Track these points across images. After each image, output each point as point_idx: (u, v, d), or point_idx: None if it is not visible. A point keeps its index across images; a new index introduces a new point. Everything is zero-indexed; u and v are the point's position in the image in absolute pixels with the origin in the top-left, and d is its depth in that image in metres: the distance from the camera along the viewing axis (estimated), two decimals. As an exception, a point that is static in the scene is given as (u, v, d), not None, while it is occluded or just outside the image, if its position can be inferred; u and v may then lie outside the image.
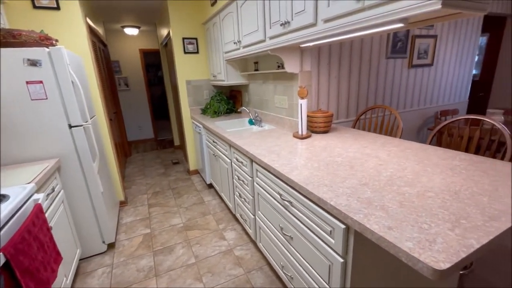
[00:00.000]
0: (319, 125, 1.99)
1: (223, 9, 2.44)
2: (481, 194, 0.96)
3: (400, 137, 1.96)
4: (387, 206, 0.90)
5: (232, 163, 2.10)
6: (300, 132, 1.92)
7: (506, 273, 1.68)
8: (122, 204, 2.82)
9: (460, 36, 3.03)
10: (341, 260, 0.97)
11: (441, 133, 1.90)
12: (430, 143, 1.77)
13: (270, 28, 1.73)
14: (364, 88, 2.50)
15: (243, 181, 1.93)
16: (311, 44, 1.67)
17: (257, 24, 1.88)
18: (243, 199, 2.02)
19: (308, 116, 2.02)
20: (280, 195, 1.36)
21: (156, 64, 7.83)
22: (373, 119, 2.54)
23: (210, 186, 3.22)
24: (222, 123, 2.77)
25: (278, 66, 2.23)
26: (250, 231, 1.99)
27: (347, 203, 0.94)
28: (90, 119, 2.02)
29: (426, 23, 1.17)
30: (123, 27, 4.45)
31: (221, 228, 2.33)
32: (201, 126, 2.87)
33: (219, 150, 2.41)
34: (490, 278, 1.65)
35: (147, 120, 5.63)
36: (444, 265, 0.63)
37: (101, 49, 3.57)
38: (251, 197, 1.82)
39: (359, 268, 0.98)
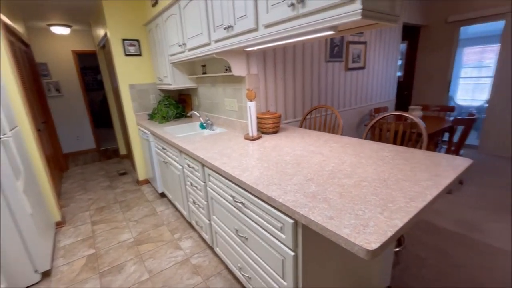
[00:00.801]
0: (269, 126, 2.06)
1: (166, 10, 2.35)
2: (404, 179, 1.11)
3: (341, 134, 2.15)
4: (329, 198, 0.98)
5: (184, 169, 2.03)
6: (250, 134, 1.96)
7: (432, 245, 1.96)
8: (59, 225, 2.50)
9: (385, 43, 3.46)
10: (292, 253, 1.02)
11: (374, 128, 2.14)
12: (365, 138, 1.97)
13: (215, 31, 1.73)
14: (308, 90, 2.68)
15: (196, 186, 1.88)
16: (255, 48, 1.72)
17: (201, 27, 1.86)
18: (197, 205, 1.97)
19: (257, 117, 2.08)
20: (233, 197, 1.37)
21: (94, 67, 7.14)
22: (318, 118, 2.73)
23: (163, 195, 3.06)
24: (172, 129, 2.66)
25: (226, 69, 2.25)
26: (206, 237, 1.95)
27: (295, 198, 0.99)
28: (10, 131, 1.75)
29: (354, 31, 1.31)
30: (50, 25, 3.95)
31: (176, 238, 2.24)
32: (148, 132, 2.71)
33: (169, 157, 2.31)
34: (419, 252, 1.91)
35: (86, 129, 5.09)
36: (375, 245, 0.71)
37: (22, 50, 3.11)
38: (205, 202, 1.79)
39: (309, 258, 1.04)
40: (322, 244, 1.08)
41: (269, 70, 2.29)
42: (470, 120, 2.53)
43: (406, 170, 1.20)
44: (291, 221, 0.98)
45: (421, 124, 1.70)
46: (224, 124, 2.53)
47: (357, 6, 0.92)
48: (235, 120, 2.34)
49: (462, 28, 3.91)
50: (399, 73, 4.75)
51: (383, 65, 3.56)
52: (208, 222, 1.84)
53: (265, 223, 1.15)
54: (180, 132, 2.68)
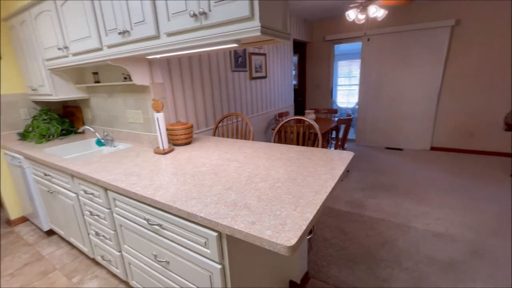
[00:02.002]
0: (181, 137, 1.96)
1: (35, 5, 1.91)
2: (309, 176, 1.27)
3: (252, 139, 2.27)
4: (249, 204, 1.02)
5: (79, 197, 1.69)
6: (161, 147, 1.82)
7: (333, 226, 2.32)
8: None
9: (281, 56, 3.90)
10: (219, 266, 1.01)
11: (280, 131, 2.37)
12: (274, 141, 2.16)
13: (107, 35, 1.53)
14: (218, 98, 2.72)
15: (98, 215, 1.59)
16: (158, 56, 1.62)
17: (88, 30, 1.61)
18: (102, 237, 1.67)
19: (167, 129, 1.95)
20: (148, 220, 1.23)
21: None
22: (229, 125, 2.81)
23: (50, 232, 2.45)
24: (57, 149, 2.17)
25: (125, 78, 2.01)
26: (118, 271, 1.67)
27: (216, 210, 0.98)
28: None
29: (256, 45, 1.42)
30: None
31: (75, 282, 1.83)
32: (21, 157, 2.12)
33: (56, 185, 1.88)
34: (325, 234, 2.23)
35: None
36: (293, 241, 0.78)
37: None
38: (113, 232, 1.54)
39: (236, 267, 1.04)
40: (247, 249, 1.11)
41: (175, 79, 2.19)
42: (348, 120, 3.15)
43: (310, 167, 1.38)
44: (215, 233, 0.96)
45: (316, 125, 2.00)
46: (128, 139, 2.26)
47: (256, 23, 1.00)
48: (142, 133, 2.12)
49: (336, 46, 4.88)
50: (294, 82, 5.45)
51: (281, 75, 4.00)
52: (118, 253, 1.58)
53: (187, 241, 1.09)
54: (70, 153, 2.21)
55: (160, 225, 1.18)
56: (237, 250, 1.04)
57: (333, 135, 4.17)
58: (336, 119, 3.54)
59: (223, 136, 2.49)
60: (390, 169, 3.63)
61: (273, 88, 3.77)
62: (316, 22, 4.82)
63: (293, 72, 5.46)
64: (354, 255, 1.96)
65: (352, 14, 2.76)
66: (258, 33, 1.00)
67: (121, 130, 2.29)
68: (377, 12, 2.61)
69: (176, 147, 1.95)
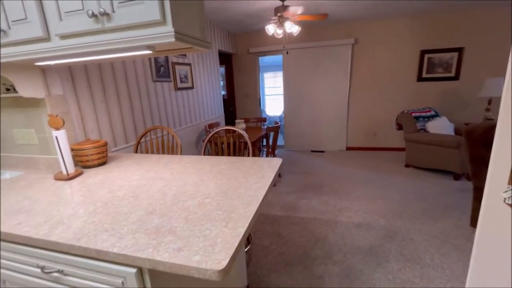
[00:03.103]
0: (92, 158, 1.67)
1: None
2: (240, 187, 1.23)
3: (180, 153, 2.12)
4: (175, 227, 0.90)
5: None
6: (64, 172, 1.50)
7: (271, 233, 2.35)
8: None
9: (207, 66, 3.86)
10: (143, 307, 0.85)
11: (211, 142, 2.29)
12: (204, 154, 2.07)
13: (-28, 35, 1.18)
14: (139, 111, 2.46)
15: (-32, 272, 1.18)
16: (51, 62, 1.34)
17: None
18: (-23, 301, 1.24)
19: (73, 149, 1.64)
20: (43, 268, 0.97)
21: None
22: (154, 140, 2.57)
23: None
24: None
25: (8, 89, 1.61)
26: None
27: (134, 241, 0.83)
28: None
29: (176, 52, 1.32)
30: None
31: None
32: None
33: None
34: (263, 242, 2.23)
35: None
36: (224, 262, 0.71)
37: None
38: (-7, 291, 1.16)
39: (164, 304, 0.91)
40: (176, 279, 0.98)
41: (82, 91, 1.88)
42: (276, 127, 3.31)
43: (240, 178, 1.35)
44: (133, 270, 0.81)
45: (245, 135, 2.01)
46: (18, 165, 1.80)
47: (169, 28, 0.92)
48: (38, 157, 1.72)
49: (262, 58, 5.13)
50: (223, 92, 5.47)
51: (209, 85, 3.95)
52: (3, 318, 1.20)
53: (100, 286, 0.89)
54: None
55: (61, 271, 0.94)
56: (164, 283, 0.91)
57: (264, 143, 4.32)
58: (265, 127, 3.68)
59: (147, 152, 2.25)
60: (315, 170, 3.96)
61: (201, 98, 3.68)
62: (240, 34, 4.98)
63: (222, 83, 5.49)
64: (291, 258, 2.01)
65: (271, 29, 2.94)
66: (172, 39, 0.92)
67: (9, 154, 1.81)
68: (292, 27, 2.86)
69: (86, 170, 1.65)
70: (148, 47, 1.04)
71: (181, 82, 3.15)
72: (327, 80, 4.73)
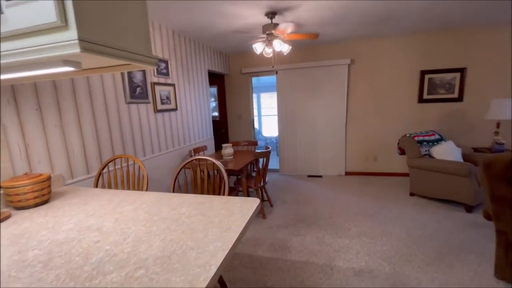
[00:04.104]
0: (26, 197, 1.36)
1: None
2: (193, 248, 0.91)
3: (146, 187, 1.81)
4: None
5: None
6: (-21, 219, 1.18)
7: (253, 281, 1.96)
8: None
9: (195, 86, 3.64)
10: None
11: (190, 168, 1.98)
12: (174, 188, 1.75)
13: None
14: (106, 136, 2.18)
15: None
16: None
17: None
18: None
19: (2, 187, 1.33)
20: None
21: None
22: (119, 170, 2.25)
23: None
24: None
25: None
26: None
27: None
28: None
29: (112, 70, 1.05)
30: None
31: None
32: None
33: None
34: (244, 295, 1.84)
35: None
36: None
37: None
38: None
39: None
40: None
41: (28, 114, 1.60)
42: (267, 153, 3.01)
43: (199, 231, 1.03)
44: None
45: (219, 165, 1.70)
46: None
47: (72, 34, 0.65)
48: (-37, 194, 1.41)
49: (258, 78, 4.95)
50: (215, 113, 5.25)
51: (197, 107, 3.71)
52: None
53: None
54: None
55: None
56: None
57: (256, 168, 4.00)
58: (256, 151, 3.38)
59: (109, 185, 1.94)
60: (312, 198, 3.60)
61: (186, 121, 3.42)
62: (232, 55, 4.84)
63: (213, 104, 5.28)
64: (276, 319, 1.63)
65: (259, 47, 2.74)
66: (77, 50, 0.65)
67: None
68: (281, 46, 2.65)
69: (17, 212, 1.33)
70: (66, 62, 0.77)
71: (162, 103, 2.91)
72: (323, 101, 4.51)
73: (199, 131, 3.78)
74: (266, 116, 8.88)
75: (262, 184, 3.10)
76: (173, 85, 3.09)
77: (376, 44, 4.11)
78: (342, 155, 4.60)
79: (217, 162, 1.71)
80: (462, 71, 3.83)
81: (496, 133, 3.47)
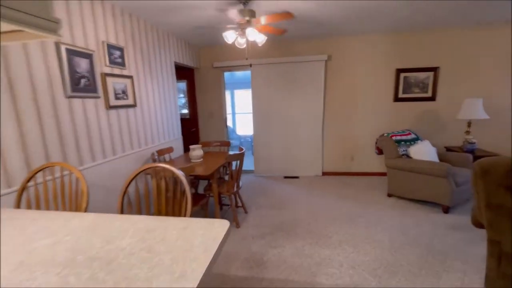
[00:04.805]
0: None
1: None
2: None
3: (86, 205, 1.41)
4: None
5: None
6: None
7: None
8: None
9: (159, 80, 3.21)
10: None
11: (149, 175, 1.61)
12: (122, 205, 1.38)
13: None
14: (37, 139, 1.73)
15: None
16: None
17: None
18: None
19: None
20: None
21: None
22: (50, 183, 1.79)
23: None
24: None
25: None
26: None
27: None
28: None
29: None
30: None
31: None
32: None
33: None
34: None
35: None
36: None
37: None
38: None
39: None
40: None
41: None
42: (240, 155, 2.71)
43: (138, 283, 0.70)
44: None
45: (180, 174, 1.37)
46: None
47: None
48: None
49: (232, 74, 4.61)
50: (185, 111, 4.82)
51: (162, 103, 3.29)
52: None
53: None
54: None
55: None
56: None
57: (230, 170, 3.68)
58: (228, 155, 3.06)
59: (37, 204, 1.50)
60: (289, 201, 3.38)
61: (148, 119, 2.99)
62: (203, 47, 4.45)
63: (183, 100, 4.85)
64: None
65: (230, 36, 2.41)
66: None
67: None
68: (255, 36, 2.36)
69: None
70: None
71: (117, 98, 2.47)
72: (300, 98, 4.30)
73: (165, 130, 3.36)
74: (241, 114, 8.57)
75: (235, 189, 2.80)
76: (130, 77, 2.65)
77: (353, 40, 3.99)
78: (319, 155, 4.44)
79: (178, 172, 1.37)
80: (435, 70, 3.84)
81: (468, 132, 3.51)
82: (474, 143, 3.44)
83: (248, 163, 5.26)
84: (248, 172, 4.84)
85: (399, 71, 3.93)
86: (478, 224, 1.71)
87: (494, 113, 3.71)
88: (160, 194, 1.45)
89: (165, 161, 3.02)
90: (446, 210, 2.87)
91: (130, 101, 2.65)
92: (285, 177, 4.50)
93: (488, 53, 3.63)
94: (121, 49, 2.51)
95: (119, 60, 2.50)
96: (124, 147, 2.57)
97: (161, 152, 2.99)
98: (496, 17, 3.27)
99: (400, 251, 2.23)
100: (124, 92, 2.56)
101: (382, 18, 3.19)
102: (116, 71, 2.47)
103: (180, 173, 1.37)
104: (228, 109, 8.28)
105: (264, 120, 4.52)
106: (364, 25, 3.45)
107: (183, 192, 1.37)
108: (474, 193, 1.62)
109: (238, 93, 8.46)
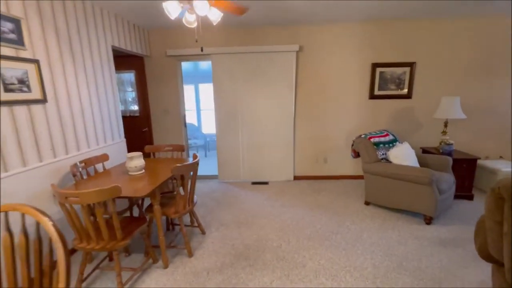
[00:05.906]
0: None
1: None
2: None
3: None
4: None
5: None
6: None
7: None
8: None
9: (87, 69, 2.48)
10: None
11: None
12: None
13: None
14: None
15: None
16: None
17: None
18: None
19: None
20: None
21: None
22: None
23: None
24: None
25: None
26: None
27: None
28: None
29: None
30: None
31: None
32: None
33: None
34: None
35: None
36: None
37: None
38: None
39: None
40: None
41: None
42: (192, 165, 2.13)
43: None
44: None
45: (48, 222, 0.76)
46: None
47: None
48: None
49: (193, 65, 3.94)
50: (135, 107, 4.06)
51: (93, 98, 2.56)
52: None
53: None
54: None
55: None
56: None
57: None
58: (176, 166, 2.45)
59: None
60: (256, 216, 2.88)
61: (69, 118, 2.27)
62: (152, 30, 3.72)
63: (132, 94, 4.08)
64: None
65: (172, 9, 1.80)
66: None
67: None
68: (206, 10, 1.78)
69: None
70: None
71: (10, 90, 1.74)
72: (268, 94, 3.80)
73: (98, 132, 2.64)
74: (207, 110, 7.87)
75: (188, 208, 2.22)
76: (35, 61, 1.92)
77: (327, 30, 3.57)
78: (291, 157, 4.00)
79: (48, 226, 0.76)
80: (411, 65, 3.57)
81: (444, 132, 3.29)
82: (452, 144, 3.22)
83: (212, 167, 4.67)
84: (211, 177, 4.26)
85: (375, 65, 3.60)
86: (489, 257, 1.35)
87: (469, 112, 3.56)
88: (9, 264, 0.83)
89: (96, 173, 2.32)
90: (429, 221, 2.58)
91: (34, 95, 1.92)
92: (253, 183, 4.00)
93: (466, 47, 3.44)
94: (15, 21, 1.77)
95: (12, 35, 1.76)
96: (25, 159, 1.85)
97: (89, 162, 2.29)
98: (476, 10, 3.05)
99: (386, 281, 1.84)
100: (23, 81, 1.82)
101: (356, 5, 2.78)
102: (6, 51, 1.73)
103: (49, 222, 0.77)
104: (192, 105, 7.54)
105: (228, 118, 3.95)
106: (333, 12, 3.03)
107: (54, 264, 0.77)
108: (489, 222, 1.24)
109: (203, 87, 7.74)
